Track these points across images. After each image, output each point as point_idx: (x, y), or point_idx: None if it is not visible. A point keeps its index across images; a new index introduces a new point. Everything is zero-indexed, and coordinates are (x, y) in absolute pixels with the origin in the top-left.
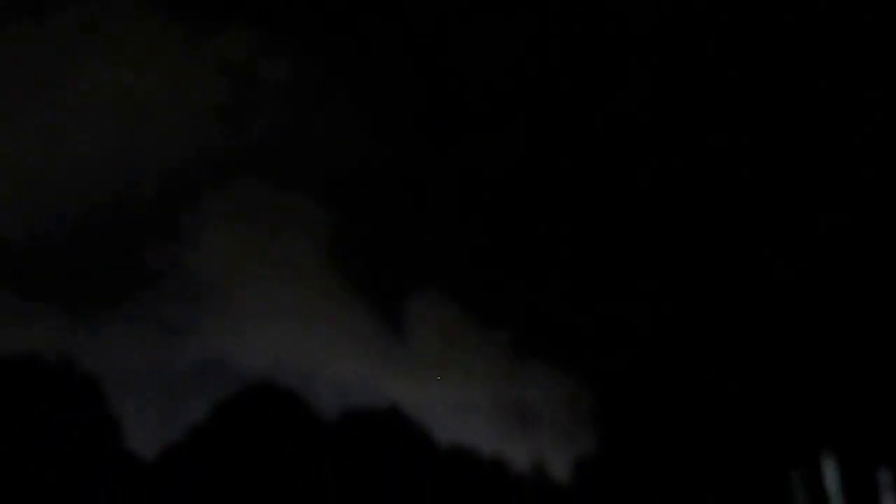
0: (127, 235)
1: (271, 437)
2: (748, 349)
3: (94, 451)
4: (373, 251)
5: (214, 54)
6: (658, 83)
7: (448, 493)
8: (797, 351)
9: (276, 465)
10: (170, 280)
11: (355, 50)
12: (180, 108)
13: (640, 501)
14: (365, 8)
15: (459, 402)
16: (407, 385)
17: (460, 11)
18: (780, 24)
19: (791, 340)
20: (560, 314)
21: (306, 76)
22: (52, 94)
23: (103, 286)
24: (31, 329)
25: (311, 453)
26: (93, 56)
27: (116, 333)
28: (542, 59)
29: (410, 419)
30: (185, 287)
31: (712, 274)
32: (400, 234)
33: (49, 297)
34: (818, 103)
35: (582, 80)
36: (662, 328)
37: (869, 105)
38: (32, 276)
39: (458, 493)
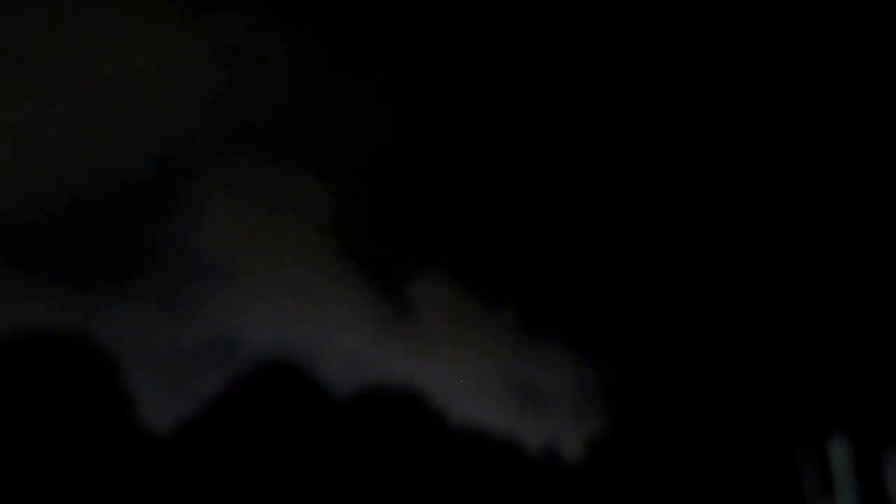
0: (129, 215)
1: (283, 414)
2: (757, 331)
3: (107, 426)
4: (376, 229)
5: (213, 36)
6: (664, 72)
7: (460, 472)
8: (805, 333)
9: (287, 442)
10: (174, 258)
11: (353, 30)
12: (180, 88)
13: (650, 482)
14: None
15: (468, 382)
16: (415, 364)
17: None
18: (779, 24)
19: (799, 323)
20: (567, 294)
21: (304, 57)
22: (53, 76)
23: (107, 264)
24: (38, 306)
25: (323, 431)
26: (93, 39)
27: (122, 311)
28: (543, 38)
29: (421, 398)
30: (189, 265)
31: (721, 252)
32: (402, 213)
33: (55, 275)
34: (819, 102)
35: (587, 60)
36: (671, 309)
37: (869, 105)
38: (38, 255)
39: (471, 472)
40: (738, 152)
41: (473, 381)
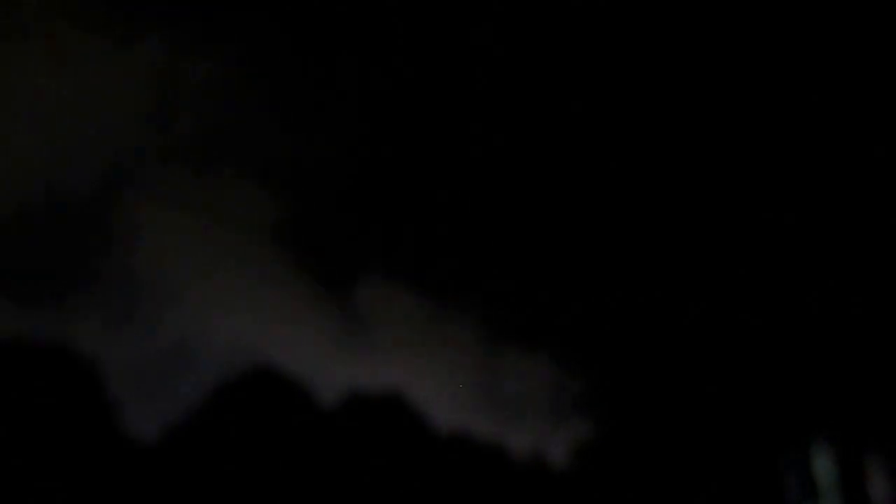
0: (60, 235)
1: (260, 420)
2: (739, 335)
3: (88, 437)
4: (321, 238)
5: (137, 58)
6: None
7: (442, 479)
8: (787, 338)
9: (267, 448)
10: (117, 274)
11: (279, 49)
12: (105, 110)
13: (635, 486)
14: (284, 8)
15: (438, 389)
16: (383, 372)
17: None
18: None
19: (781, 328)
20: (537, 297)
21: (231, 74)
22: None
23: (51, 280)
24: None
25: (305, 439)
26: (10, 60)
27: (74, 323)
28: (478, 35)
29: (393, 406)
30: (136, 280)
31: (700, 256)
32: (350, 221)
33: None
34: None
35: (530, 56)
36: (650, 311)
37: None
38: None
39: (454, 479)
40: (715, 151)
41: (443, 388)
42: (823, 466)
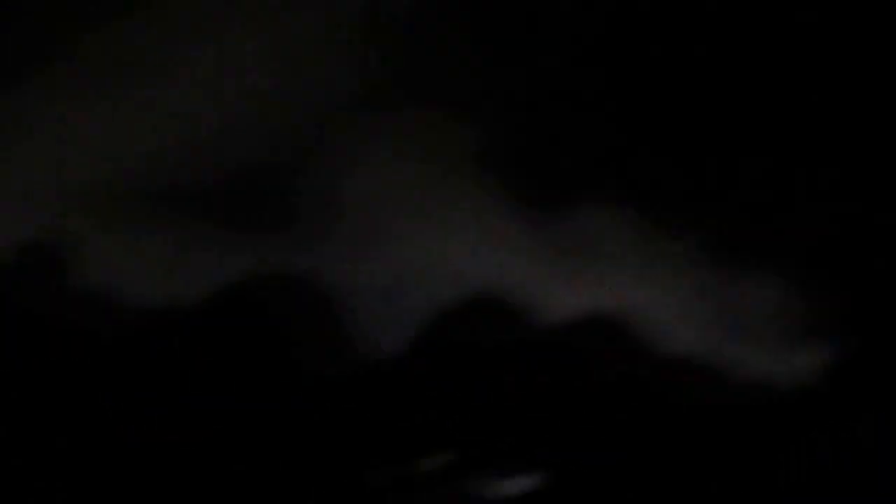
0: (277, 174)
1: (488, 344)
2: None
3: (329, 359)
4: (531, 162)
5: (330, 4)
6: None
7: (672, 404)
8: None
9: (496, 371)
10: (343, 206)
11: None
12: (306, 53)
13: (883, 411)
14: None
15: (659, 314)
16: (605, 294)
17: None
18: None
19: None
20: (769, 205)
21: (427, 8)
22: (202, 58)
23: (280, 216)
24: (239, 257)
25: (528, 364)
26: (224, 24)
27: (309, 259)
28: None
29: (621, 328)
30: (354, 215)
31: None
32: (556, 144)
33: (247, 227)
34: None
35: None
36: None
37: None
38: (222, 215)
39: (683, 404)
40: None
41: (668, 310)
42: None
